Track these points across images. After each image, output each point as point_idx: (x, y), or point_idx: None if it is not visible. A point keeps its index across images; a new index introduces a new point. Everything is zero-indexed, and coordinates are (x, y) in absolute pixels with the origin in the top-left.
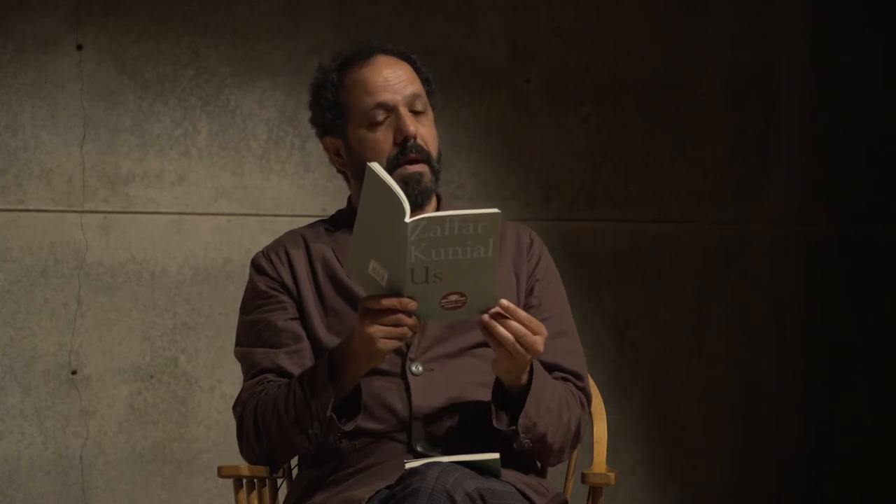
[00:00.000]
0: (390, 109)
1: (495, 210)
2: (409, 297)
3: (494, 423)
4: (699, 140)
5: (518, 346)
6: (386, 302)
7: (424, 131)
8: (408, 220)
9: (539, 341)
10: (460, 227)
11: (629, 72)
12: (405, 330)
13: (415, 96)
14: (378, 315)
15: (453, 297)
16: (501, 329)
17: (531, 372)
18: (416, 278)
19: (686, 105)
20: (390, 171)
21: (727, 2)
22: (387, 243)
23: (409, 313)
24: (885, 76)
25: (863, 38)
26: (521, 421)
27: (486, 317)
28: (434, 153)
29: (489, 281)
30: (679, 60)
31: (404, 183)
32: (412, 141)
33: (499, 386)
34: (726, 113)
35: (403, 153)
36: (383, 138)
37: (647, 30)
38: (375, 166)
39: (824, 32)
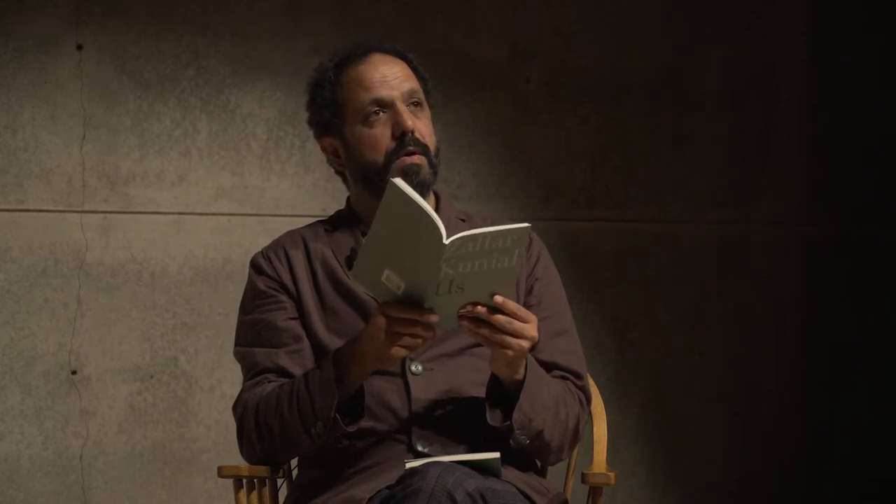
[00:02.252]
0: (387, 105)
1: (526, 225)
2: (429, 308)
3: (489, 419)
4: (699, 140)
5: (507, 337)
6: (408, 314)
7: (422, 126)
8: (446, 241)
9: (528, 328)
10: (492, 242)
11: (629, 72)
12: (420, 340)
13: (412, 92)
14: (397, 323)
15: (470, 308)
16: (481, 328)
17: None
18: (440, 290)
19: (686, 105)
20: (387, 164)
21: (727, 2)
22: (410, 257)
23: (427, 325)
24: (885, 76)
25: (863, 38)
26: (515, 416)
27: (464, 322)
28: (432, 148)
29: (508, 290)
30: (679, 60)
31: (402, 174)
32: (410, 135)
33: (495, 384)
34: (726, 113)
35: (401, 146)
36: (381, 134)
37: (647, 30)
38: (400, 182)
39: (824, 32)
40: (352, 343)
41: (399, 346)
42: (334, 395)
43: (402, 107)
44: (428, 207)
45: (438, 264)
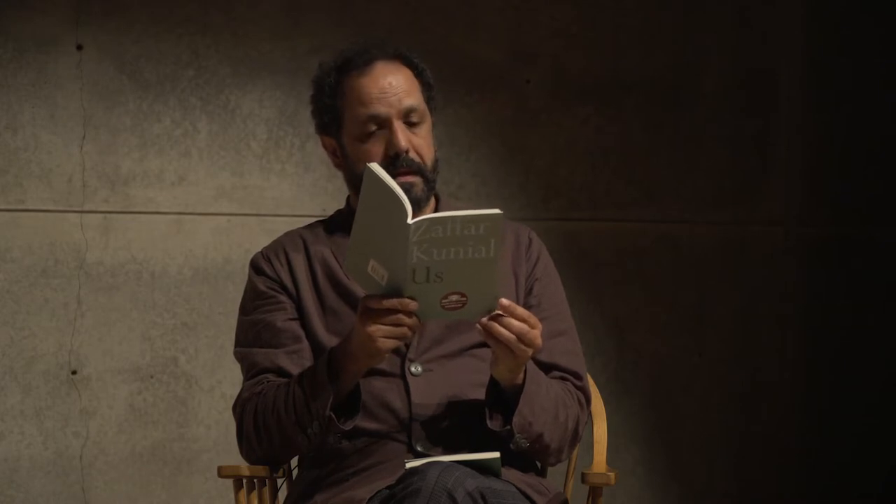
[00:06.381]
0: (383, 122)
1: (497, 211)
2: (409, 297)
3: (489, 423)
4: (699, 140)
5: (520, 343)
6: (386, 302)
7: (419, 142)
8: (410, 221)
9: (538, 335)
10: (462, 227)
11: (629, 72)
12: (405, 330)
13: (410, 109)
14: (378, 315)
15: (454, 298)
16: (502, 329)
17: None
18: (417, 278)
19: (686, 105)
20: None
21: (727, 2)
22: (387, 243)
23: (409, 313)
24: (885, 76)
25: (863, 38)
26: (515, 420)
27: (484, 320)
28: (428, 163)
29: (490, 281)
30: (679, 60)
31: None
32: (403, 155)
33: (494, 387)
34: (726, 113)
35: (394, 167)
36: (375, 150)
37: (647, 30)
38: (375, 167)
39: (824, 32)
40: (344, 341)
41: (384, 337)
42: (329, 394)
43: (398, 125)
44: (396, 187)
45: (407, 246)
